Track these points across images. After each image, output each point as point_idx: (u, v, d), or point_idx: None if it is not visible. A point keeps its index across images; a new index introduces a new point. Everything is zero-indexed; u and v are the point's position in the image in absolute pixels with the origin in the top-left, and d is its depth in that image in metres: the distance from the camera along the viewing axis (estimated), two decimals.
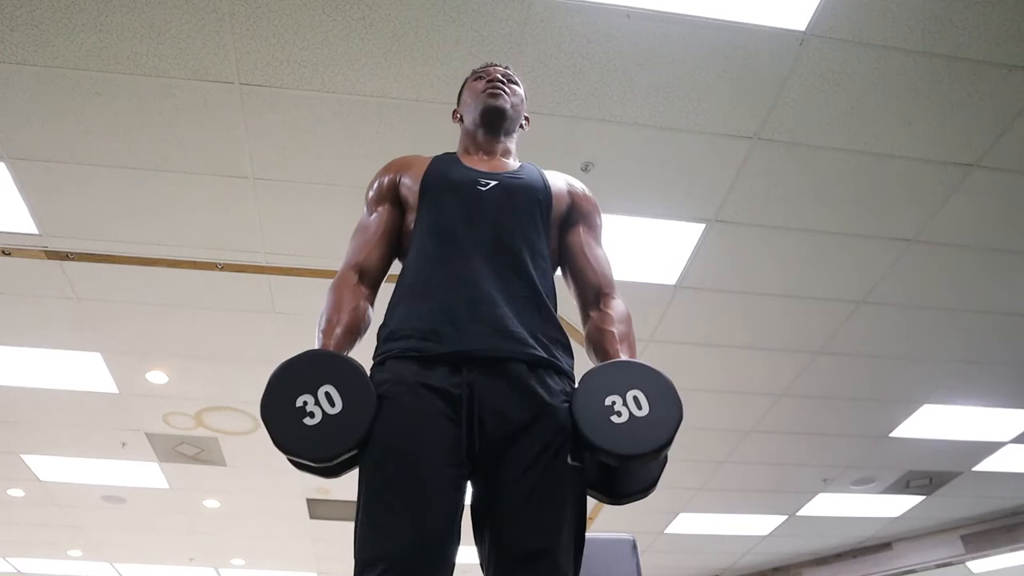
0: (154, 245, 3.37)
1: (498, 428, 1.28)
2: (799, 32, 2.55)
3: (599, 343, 1.48)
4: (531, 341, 1.35)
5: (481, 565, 1.29)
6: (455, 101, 1.78)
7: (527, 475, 1.26)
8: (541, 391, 1.32)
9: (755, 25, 2.52)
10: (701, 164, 3.04)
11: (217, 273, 3.52)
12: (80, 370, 4.24)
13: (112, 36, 2.48)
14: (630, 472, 1.37)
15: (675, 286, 3.68)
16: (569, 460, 1.29)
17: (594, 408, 1.27)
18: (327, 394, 1.24)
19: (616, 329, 1.48)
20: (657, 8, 2.47)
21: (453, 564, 1.24)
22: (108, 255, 3.41)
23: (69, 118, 2.76)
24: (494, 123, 1.64)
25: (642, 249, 3.48)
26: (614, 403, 1.26)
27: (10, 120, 2.77)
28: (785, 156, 3.01)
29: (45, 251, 3.37)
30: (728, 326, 3.98)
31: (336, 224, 3.17)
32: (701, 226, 3.34)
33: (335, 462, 1.25)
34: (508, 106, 1.64)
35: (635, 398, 1.27)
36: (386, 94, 2.73)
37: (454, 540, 1.25)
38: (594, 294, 1.55)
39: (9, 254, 3.38)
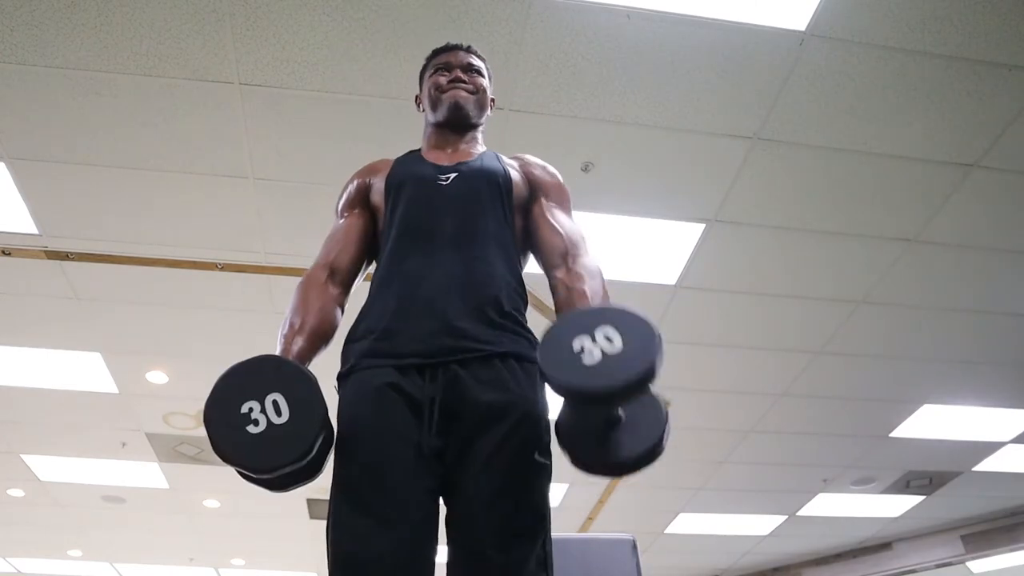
0: (154, 245, 3.37)
1: (463, 423, 1.26)
2: (799, 32, 2.55)
3: (568, 305, 1.35)
4: (485, 336, 1.31)
5: (447, 567, 1.25)
6: None
7: (491, 468, 1.22)
8: (502, 382, 1.29)
9: (755, 25, 2.52)
10: (701, 164, 3.04)
11: (217, 273, 3.52)
12: (80, 370, 4.24)
13: (112, 36, 2.48)
14: (627, 431, 1.22)
15: (675, 286, 3.68)
16: (536, 457, 1.25)
17: (562, 355, 1.11)
18: (274, 402, 1.15)
19: (587, 287, 1.36)
20: (657, 8, 2.47)
21: (432, 568, 1.22)
22: (108, 255, 3.41)
23: (69, 118, 2.76)
24: (460, 124, 1.62)
25: (642, 249, 3.48)
26: (583, 347, 1.11)
27: (10, 120, 2.77)
28: (785, 156, 3.01)
29: (45, 251, 3.37)
30: (728, 326, 3.98)
31: None
32: (701, 226, 3.34)
33: (275, 474, 1.17)
34: (473, 105, 1.63)
35: (606, 336, 1.11)
36: (386, 94, 2.73)
37: (430, 546, 1.22)
38: (560, 255, 1.44)
39: (9, 254, 3.38)
